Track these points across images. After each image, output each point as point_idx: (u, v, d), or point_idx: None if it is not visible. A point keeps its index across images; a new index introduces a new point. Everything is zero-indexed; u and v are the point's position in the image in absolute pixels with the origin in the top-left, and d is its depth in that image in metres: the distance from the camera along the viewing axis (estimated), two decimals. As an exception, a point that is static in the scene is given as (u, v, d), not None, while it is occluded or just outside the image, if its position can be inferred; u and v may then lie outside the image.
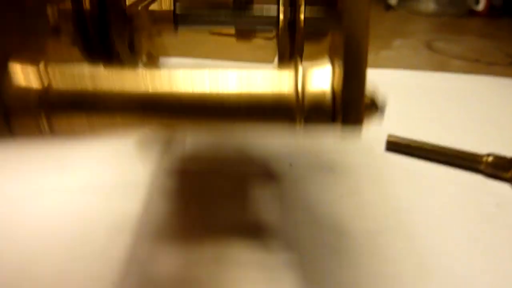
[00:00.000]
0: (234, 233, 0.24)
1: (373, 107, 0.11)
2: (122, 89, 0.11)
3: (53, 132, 0.12)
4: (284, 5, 0.18)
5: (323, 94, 0.10)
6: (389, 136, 0.36)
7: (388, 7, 1.02)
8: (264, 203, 0.27)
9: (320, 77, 0.11)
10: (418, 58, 0.64)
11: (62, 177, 0.29)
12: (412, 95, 0.46)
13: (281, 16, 0.18)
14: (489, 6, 0.94)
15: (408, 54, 0.67)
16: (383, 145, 0.35)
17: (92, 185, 0.27)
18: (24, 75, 0.11)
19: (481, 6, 0.95)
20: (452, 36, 0.79)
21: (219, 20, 0.24)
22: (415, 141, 0.35)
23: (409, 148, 0.35)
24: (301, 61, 0.11)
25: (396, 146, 0.35)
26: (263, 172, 0.30)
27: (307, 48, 0.18)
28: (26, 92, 0.11)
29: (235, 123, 0.11)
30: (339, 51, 0.10)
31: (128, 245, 0.23)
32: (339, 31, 0.11)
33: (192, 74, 0.11)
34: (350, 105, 0.10)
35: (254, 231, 0.24)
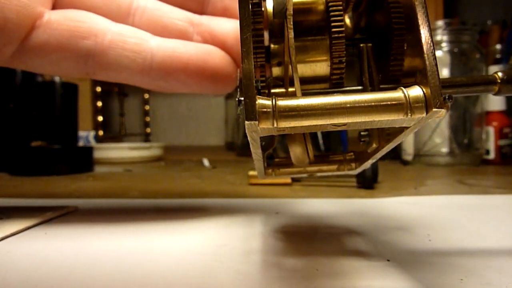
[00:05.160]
0: None
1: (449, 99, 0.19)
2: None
3: (279, 130, 0.19)
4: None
5: (419, 96, 0.19)
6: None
7: (405, 162, 1.10)
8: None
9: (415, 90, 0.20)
10: (459, 190, 0.65)
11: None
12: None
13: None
14: (500, 154, 1.02)
15: (447, 188, 0.69)
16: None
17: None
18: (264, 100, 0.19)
19: (492, 155, 1.03)
20: (476, 178, 0.82)
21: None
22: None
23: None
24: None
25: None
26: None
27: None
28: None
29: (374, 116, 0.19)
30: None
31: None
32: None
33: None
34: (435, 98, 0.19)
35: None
